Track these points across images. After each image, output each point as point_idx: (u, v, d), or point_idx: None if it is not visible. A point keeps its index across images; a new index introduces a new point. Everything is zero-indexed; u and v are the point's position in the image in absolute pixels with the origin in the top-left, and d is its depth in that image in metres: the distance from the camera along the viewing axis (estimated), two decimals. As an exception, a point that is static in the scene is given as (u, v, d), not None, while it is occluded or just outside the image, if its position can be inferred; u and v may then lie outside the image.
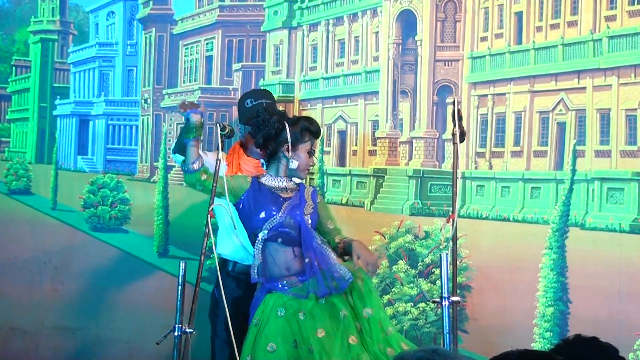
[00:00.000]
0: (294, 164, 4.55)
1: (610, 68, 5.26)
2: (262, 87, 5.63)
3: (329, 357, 4.22)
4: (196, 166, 4.47)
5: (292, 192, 4.60)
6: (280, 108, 5.10)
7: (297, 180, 4.62)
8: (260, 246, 4.48)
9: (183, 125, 4.57)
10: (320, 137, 4.64)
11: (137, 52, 6.75)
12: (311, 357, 4.24)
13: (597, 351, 2.71)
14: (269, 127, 4.50)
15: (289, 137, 4.48)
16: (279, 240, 4.48)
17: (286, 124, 4.50)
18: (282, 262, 4.47)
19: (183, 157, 4.51)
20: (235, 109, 6.32)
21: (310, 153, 4.57)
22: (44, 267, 6.58)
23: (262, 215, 4.50)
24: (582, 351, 2.66)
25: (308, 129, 4.57)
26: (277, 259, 4.48)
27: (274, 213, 4.49)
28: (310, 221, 4.51)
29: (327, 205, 4.74)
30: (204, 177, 4.49)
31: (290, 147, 4.53)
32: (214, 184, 4.52)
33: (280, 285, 4.44)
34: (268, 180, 4.61)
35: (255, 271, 4.49)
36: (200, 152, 4.63)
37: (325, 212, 4.66)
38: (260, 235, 4.48)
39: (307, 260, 4.42)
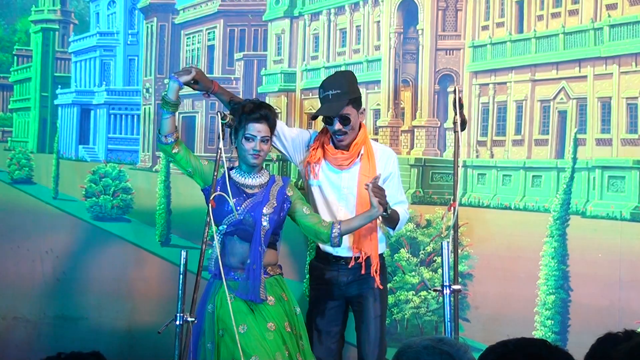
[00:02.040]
0: (234, 153, 4.60)
1: (611, 56, 5.27)
2: (338, 71, 5.47)
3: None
4: (169, 140, 4.61)
5: (259, 188, 4.64)
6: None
7: (265, 174, 4.68)
8: (219, 238, 4.57)
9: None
10: (268, 119, 4.61)
11: (139, 42, 6.74)
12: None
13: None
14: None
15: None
16: (236, 236, 4.60)
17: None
18: (238, 255, 4.61)
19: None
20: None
21: (248, 138, 4.58)
22: (45, 256, 6.59)
23: (225, 209, 4.55)
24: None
25: (242, 112, 4.60)
26: (234, 251, 4.62)
27: (236, 209, 4.55)
28: (266, 222, 4.56)
29: (300, 194, 4.76)
30: (175, 150, 4.64)
31: (233, 137, 4.62)
32: (215, 173, 4.54)
33: (233, 274, 4.58)
34: (236, 175, 4.65)
35: (213, 262, 4.63)
36: (285, 128, 4.96)
37: (300, 202, 4.72)
38: (220, 229, 4.59)
39: (249, 261, 4.55)
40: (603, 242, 5.20)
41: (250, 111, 4.61)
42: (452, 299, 4.24)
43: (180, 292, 4.51)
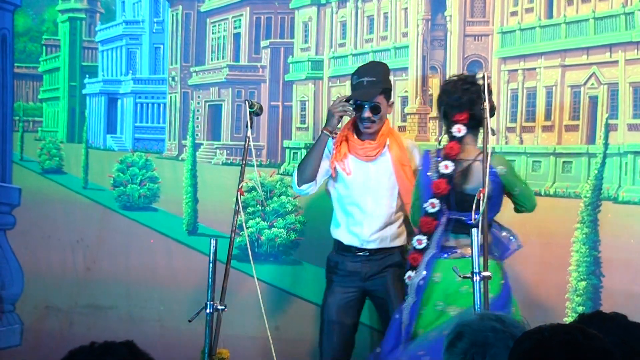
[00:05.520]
0: None
1: (643, 41, 5.22)
2: (374, 61, 5.59)
3: None
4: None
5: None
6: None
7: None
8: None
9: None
10: None
11: (164, 30, 6.74)
12: None
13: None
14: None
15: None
16: None
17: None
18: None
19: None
20: (264, 86, 6.33)
21: None
22: (76, 245, 6.61)
23: None
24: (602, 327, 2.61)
25: None
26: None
27: None
28: None
29: None
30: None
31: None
32: (243, 162, 4.54)
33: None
34: None
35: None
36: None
37: None
38: None
39: None
40: (636, 228, 5.16)
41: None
42: (481, 285, 4.23)
43: (210, 280, 4.53)
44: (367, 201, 4.94)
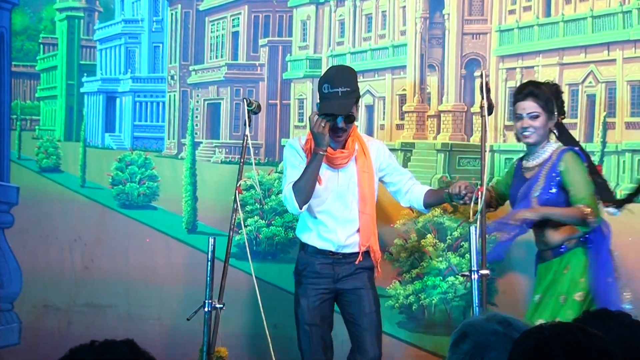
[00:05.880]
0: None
1: (641, 39, 5.23)
2: (340, 65, 5.50)
3: None
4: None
5: (537, 168, 4.70)
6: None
7: (547, 152, 4.70)
8: None
9: None
10: (534, 95, 4.66)
11: (163, 29, 6.74)
12: None
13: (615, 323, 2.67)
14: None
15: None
16: None
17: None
18: (539, 240, 4.76)
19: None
20: (262, 84, 6.33)
21: (518, 117, 4.68)
22: (74, 244, 6.62)
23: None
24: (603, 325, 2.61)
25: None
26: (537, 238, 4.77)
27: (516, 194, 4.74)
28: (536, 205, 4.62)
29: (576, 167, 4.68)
30: None
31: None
32: (241, 160, 4.54)
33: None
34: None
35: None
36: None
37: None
38: None
39: None
40: (634, 226, 5.16)
41: (516, 92, 4.69)
42: (480, 283, 4.23)
43: (208, 279, 4.53)
44: (339, 208, 4.87)
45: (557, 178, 4.58)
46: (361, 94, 6.03)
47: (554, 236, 4.64)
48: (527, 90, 4.63)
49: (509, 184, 4.86)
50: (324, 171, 4.82)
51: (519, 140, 4.74)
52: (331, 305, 4.97)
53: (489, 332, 2.45)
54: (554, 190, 4.58)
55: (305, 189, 4.72)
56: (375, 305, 4.90)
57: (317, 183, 4.78)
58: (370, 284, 4.93)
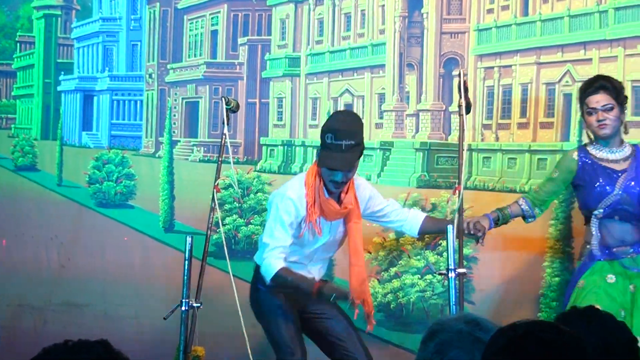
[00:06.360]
0: None
1: (617, 39, 5.27)
2: (347, 112, 5.22)
3: None
4: None
5: (625, 161, 4.63)
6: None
7: (627, 146, 4.64)
8: (596, 222, 4.59)
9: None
10: (606, 88, 4.58)
11: (141, 27, 6.73)
12: None
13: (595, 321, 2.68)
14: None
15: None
16: (616, 217, 4.57)
17: None
18: (618, 236, 4.59)
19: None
20: (241, 83, 6.33)
21: (590, 112, 4.59)
22: (50, 243, 6.59)
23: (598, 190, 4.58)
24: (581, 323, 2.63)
25: (581, 91, 4.66)
26: (612, 232, 4.59)
27: (608, 189, 4.57)
28: None
29: None
30: None
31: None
32: (220, 159, 4.53)
33: (614, 251, 4.57)
34: (595, 152, 4.66)
35: (597, 245, 4.58)
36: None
37: None
38: (595, 213, 4.58)
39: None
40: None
41: (586, 86, 4.63)
42: (457, 282, 4.25)
43: (185, 277, 4.52)
44: (316, 251, 4.61)
45: None
46: (340, 92, 6.08)
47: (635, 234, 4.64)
48: (599, 83, 4.59)
49: (568, 180, 4.73)
50: (320, 221, 4.51)
51: (592, 136, 4.65)
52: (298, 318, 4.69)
53: (454, 331, 2.45)
54: None
55: (283, 287, 4.49)
56: (348, 320, 4.61)
57: (313, 232, 4.51)
58: (339, 310, 4.64)
